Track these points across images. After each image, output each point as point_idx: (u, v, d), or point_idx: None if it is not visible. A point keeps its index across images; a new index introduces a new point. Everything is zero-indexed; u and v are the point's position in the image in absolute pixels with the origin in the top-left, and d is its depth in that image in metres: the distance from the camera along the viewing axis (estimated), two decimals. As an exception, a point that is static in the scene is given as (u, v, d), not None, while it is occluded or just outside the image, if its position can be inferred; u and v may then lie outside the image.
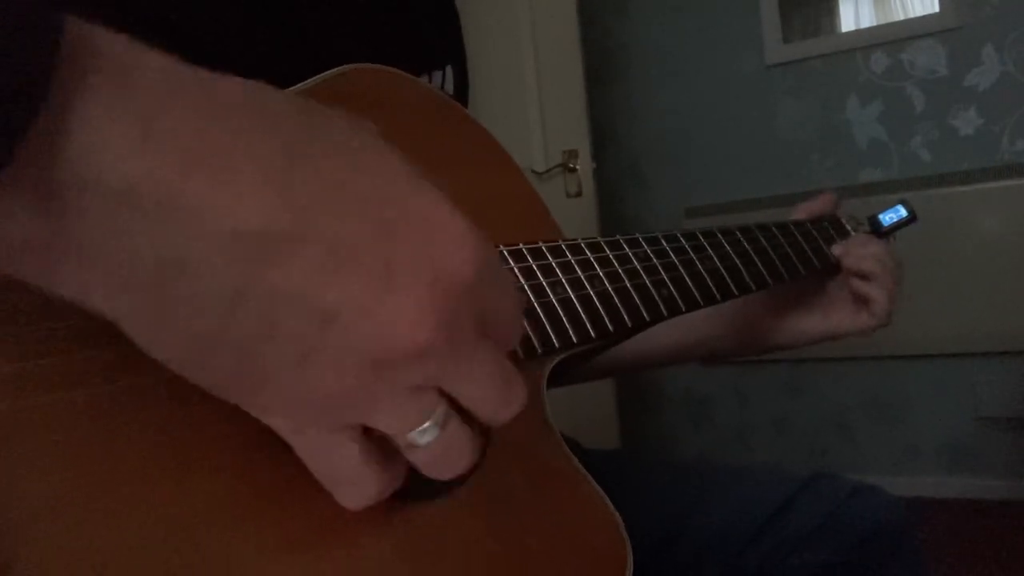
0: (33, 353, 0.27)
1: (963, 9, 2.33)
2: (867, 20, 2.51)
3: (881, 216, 0.80)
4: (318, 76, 0.43)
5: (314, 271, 0.24)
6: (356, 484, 0.28)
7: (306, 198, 0.24)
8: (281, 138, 0.24)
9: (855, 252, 0.70)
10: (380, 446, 0.28)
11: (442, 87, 0.60)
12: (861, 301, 0.71)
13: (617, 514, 0.40)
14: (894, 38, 2.43)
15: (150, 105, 0.22)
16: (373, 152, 0.26)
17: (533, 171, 2.03)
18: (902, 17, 2.45)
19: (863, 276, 0.70)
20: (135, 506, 0.27)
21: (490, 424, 0.29)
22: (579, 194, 2.06)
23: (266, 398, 0.26)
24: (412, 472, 0.30)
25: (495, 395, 0.29)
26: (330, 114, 0.26)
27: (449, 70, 0.62)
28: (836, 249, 0.71)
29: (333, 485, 0.28)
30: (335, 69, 0.44)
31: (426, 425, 0.27)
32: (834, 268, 0.72)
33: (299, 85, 0.42)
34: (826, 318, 0.72)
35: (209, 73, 0.24)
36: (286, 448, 0.28)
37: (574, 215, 2.03)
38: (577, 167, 2.05)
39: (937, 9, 2.38)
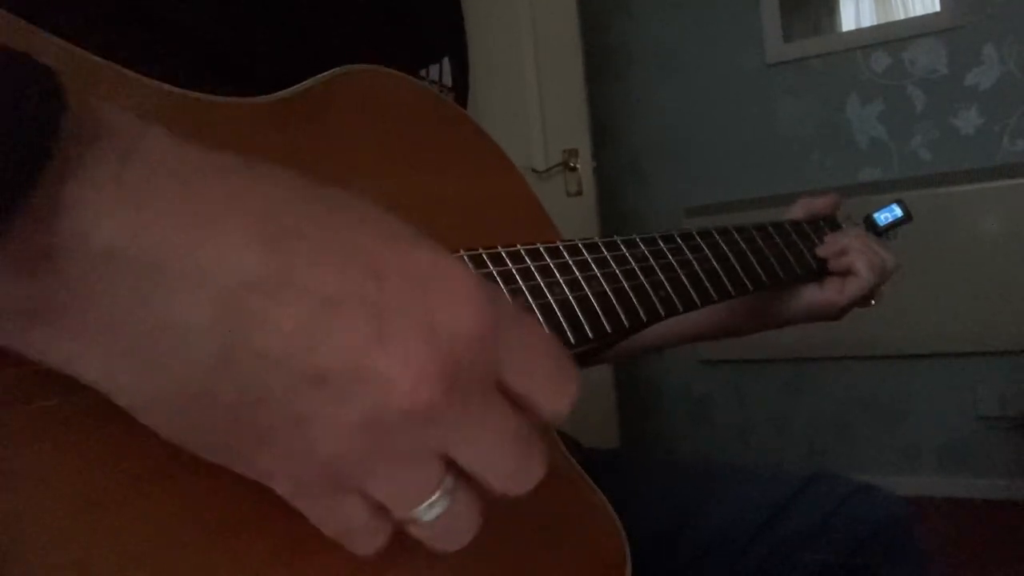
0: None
1: (964, 8, 2.33)
2: (868, 19, 2.51)
3: (876, 215, 0.81)
4: (316, 77, 0.43)
5: (301, 327, 0.23)
6: (366, 538, 0.27)
7: (293, 252, 0.23)
8: (271, 199, 0.24)
9: (828, 242, 0.74)
10: None
11: (439, 80, 0.60)
12: (846, 273, 0.74)
13: (616, 515, 0.40)
14: (895, 37, 2.43)
15: (144, 175, 0.22)
16: (367, 211, 0.25)
17: (533, 170, 2.03)
18: (903, 16, 2.45)
19: (840, 254, 0.73)
20: (129, 513, 0.26)
21: (504, 496, 0.27)
22: (579, 193, 2.05)
23: (264, 463, 0.25)
24: None
25: (510, 464, 0.26)
26: (321, 184, 0.26)
27: (447, 62, 0.61)
28: (818, 250, 0.74)
29: (344, 540, 0.27)
30: (333, 70, 0.43)
31: (433, 499, 0.26)
32: (827, 268, 0.74)
33: (298, 86, 0.42)
34: (821, 292, 0.74)
35: (205, 150, 0.24)
36: None
37: (574, 214, 2.03)
38: (577, 166, 2.05)
39: (938, 8, 2.38)
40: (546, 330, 0.28)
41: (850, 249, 0.73)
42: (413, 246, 0.25)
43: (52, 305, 0.21)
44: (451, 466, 0.26)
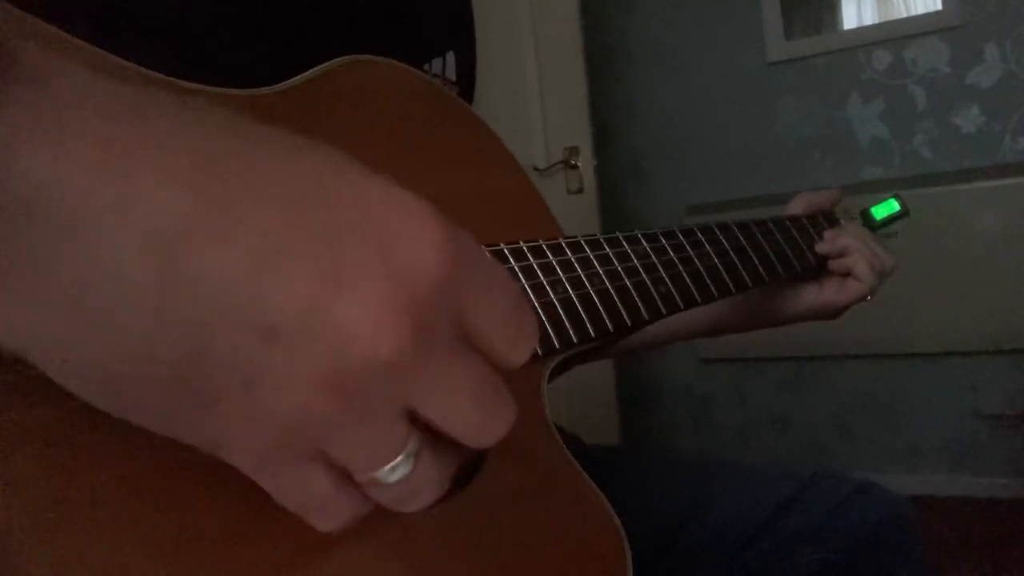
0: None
1: (966, 7, 2.33)
2: (869, 18, 2.50)
3: (873, 209, 0.81)
4: (316, 68, 0.42)
5: (244, 270, 0.20)
6: (330, 511, 0.25)
7: (230, 192, 0.20)
8: (204, 133, 0.21)
9: (828, 238, 0.75)
10: None
11: (443, 74, 0.59)
12: (846, 275, 0.74)
13: (616, 516, 0.39)
14: (896, 36, 2.42)
15: (63, 112, 0.20)
16: (311, 146, 0.23)
17: (535, 168, 2.03)
18: (904, 15, 2.44)
19: (840, 254, 0.73)
20: (121, 518, 0.26)
21: (472, 447, 0.25)
22: (580, 191, 2.05)
23: (215, 431, 0.22)
24: None
25: (478, 414, 0.24)
26: (263, 122, 0.23)
27: (451, 56, 0.61)
28: (817, 247, 0.75)
29: (306, 514, 0.25)
30: (333, 61, 0.43)
31: (397, 460, 0.23)
32: (825, 263, 0.75)
33: (296, 78, 0.41)
34: (820, 292, 0.75)
35: (128, 83, 0.21)
36: None
37: (575, 212, 2.03)
38: (578, 164, 2.05)
39: (939, 7, 2.37)
40: (504, 270, 0.26)
41: (850, 250, 0.73)
42: (362, 176, 0.22)
43: None
44: (415, 422, 0.24)
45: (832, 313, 0.75)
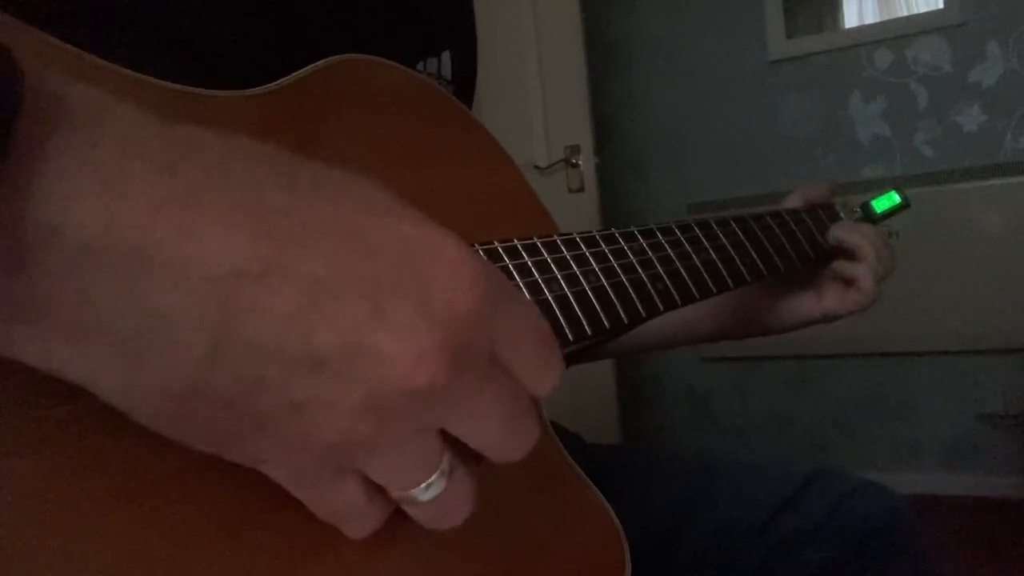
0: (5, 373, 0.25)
1: (967, 5, 2.32)
2: (871, 16, 2.50)
3: (874, 202, 0.80)
4: (307, 67, 0.42)
5: (295, 314, 0.22)
6: (362, 520, 0.27)
7: (281, 237, 0.22)
8: (252, 179, 0.23)
9: (841, 231, 0.72)
10: None
11: (438, 73, 0.59)
12: (848, 282, 0.71)
13: (615, 517, 0.39)
14: (898, 34, 2.42)
15: (115, 158, 0.20)
16: (351, 184, 0.25)
17: (535, 166, 2.03)
18: (906, 13, 2.44)
19: (850, 255, 0.71)
20: (99, 537, 0.25)
21: (498, 463, 0.27)
22: (581, 189, 2.05)
23: (260, 450, 0.25)
24: None
25: (506, 434, 0.26)
26: (303, 158, 0.25)
27: (447, 56, 0.60)
28: (834, 230, 0.72)
29: (339, 523, 0.27)
30: (325, 60, 0.43)
31: (431, 479, 0.26)
32: (827, 257, 0.72)
33: (289, 77, 0.41)
34: (819, 300, 0.72)
35: (178, 124, 0.22)
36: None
37: (576, 211, 2.03)
38: (579, 162, 2.05)
39: (941, 5, 2.37)
40: (532, 303, 0.28)
41: (861, 255, 0.70)
42: (399, 219, 0.24)
43: (30, 304, 0.20)
44: (448, 444, 0.26)
45: (829, 320, 0.73)
